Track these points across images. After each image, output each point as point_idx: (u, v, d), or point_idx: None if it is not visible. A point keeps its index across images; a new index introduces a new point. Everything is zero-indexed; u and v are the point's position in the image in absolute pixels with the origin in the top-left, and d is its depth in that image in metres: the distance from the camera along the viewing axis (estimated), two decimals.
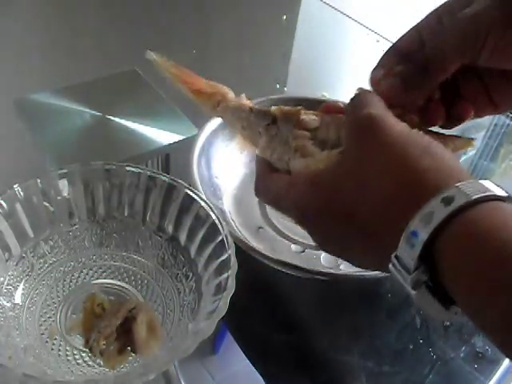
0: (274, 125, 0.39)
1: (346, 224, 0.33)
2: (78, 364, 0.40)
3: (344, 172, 0.34)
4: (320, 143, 0.38)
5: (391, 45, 0.39)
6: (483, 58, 0.35)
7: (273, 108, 0.40)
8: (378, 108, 0.35)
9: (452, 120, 0.40)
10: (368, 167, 0.33)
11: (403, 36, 0.38)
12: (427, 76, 0.37)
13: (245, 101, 0.41)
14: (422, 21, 0.38)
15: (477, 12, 0.35)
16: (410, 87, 0.37)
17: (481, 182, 0.29)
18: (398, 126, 0.33)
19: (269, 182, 0.38)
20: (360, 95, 0.37)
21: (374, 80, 0.38)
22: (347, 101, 0.38)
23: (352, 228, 0.33)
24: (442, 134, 0.39)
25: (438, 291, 0.29)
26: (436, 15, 0.37)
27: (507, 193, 0.29)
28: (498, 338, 0.27)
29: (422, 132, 0.34)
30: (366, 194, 0.32)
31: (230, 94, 0.42)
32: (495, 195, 0.29)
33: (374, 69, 0.39)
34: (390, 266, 0.31)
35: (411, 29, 0.38)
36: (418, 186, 0.31)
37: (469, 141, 0.40)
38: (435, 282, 0.29)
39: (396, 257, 0.30)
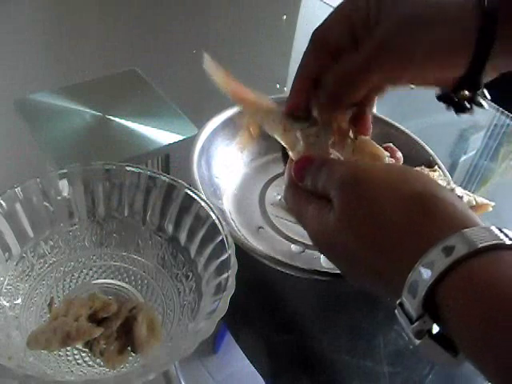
0: (311, 128, 0.41)
1: (357, 265, 0.34)
2: (78, 364, 0.40)
3: (343, 227, 0.34)
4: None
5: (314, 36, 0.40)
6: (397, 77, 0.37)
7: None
8: (346, 164, 0.37)
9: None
10: (364, 220, 0.33)
11: (331, 20, 0.40)
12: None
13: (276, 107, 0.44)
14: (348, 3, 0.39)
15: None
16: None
17: (486, 228, 0.29)
18: (382, 170, 0.35)
19: (297, 199, 0.39)
20: (322, 165, 0.37)
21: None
22: None
23: (361, 268, 0.34)
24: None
25: (445, 339, 0.29)
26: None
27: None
28: None
29: (410, 173, 0.35)
30: (368, 243, 0.33)
31: (275, 108, 0.44)
32: (499, 243, 0.28)
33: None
34: (396, 311, 0.31)
35: (339, 11, 0.40)
36: (419, 234, 0.31)
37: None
38: (441, 330, 0.29)
39: (400, 304, 0.30)
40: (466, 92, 0.37)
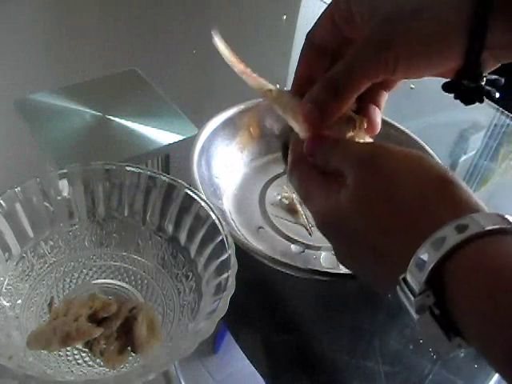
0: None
1: (360, 245, 0.34)
2: (78, 364, 0.40)
3: (355, 204, 0.34)
4: None
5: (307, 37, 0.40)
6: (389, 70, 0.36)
7: None
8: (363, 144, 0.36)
9: None
10: (379, 195, 0.33)
11: (319, 24, 0.40)
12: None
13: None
14: (333, 7, 0.38)
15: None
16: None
17: (499, 214, 0.29)
18: (401, 153, 0.34)
19: (304, 178, 0.39)
20: (337, 145, 0.37)
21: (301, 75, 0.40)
22: None
23: (365, 249, 0.34)
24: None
25: (443, 320, 0.29)
26: (346, 5, 0.37)
27: None
28: (500, 370, 0.26)
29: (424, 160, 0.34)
30: (379, 220, 0.32)
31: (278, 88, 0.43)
32: (510, 228, 0.28)
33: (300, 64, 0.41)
34: (397, 287, 0.30)
35: (324, 15, 0.39)
36: (433, 213, 0.31)
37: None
38: (442, 310, 0.29)
39: (404, 279, 0.30)
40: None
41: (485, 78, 0.36)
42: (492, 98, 0.37)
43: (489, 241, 0.28)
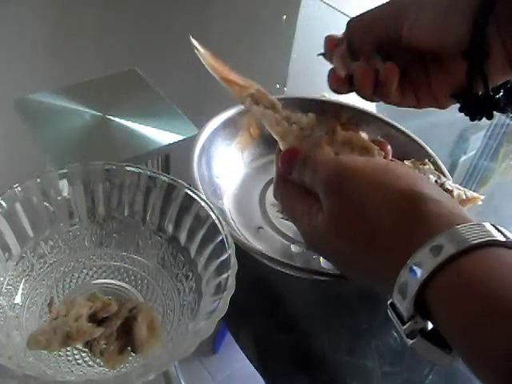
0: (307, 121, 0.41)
1: (349, 263, 0.35)
2: (78, 364, 0.40)
3: (331, 223, 0.34)
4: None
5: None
6: (405, 34, 0.38)
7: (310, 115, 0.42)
8: (329, 160, 0.36)
9: (387, 94, 0.42)
10: (351, 220, 0.33)
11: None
12: (355, 39, 0.41)
13: (275, 98, 0.44)
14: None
15: None
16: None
17: (478, 224, 0.28)
18: (367, 167, 0.34)
19: (286, 196, 0.39)
20: (306, 161, 0.37)
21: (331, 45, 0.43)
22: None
23: (354, 267, 0.34)
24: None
25: (439, 337, 0.28)
26: None
27: (506, 236, 0.28)
28: None
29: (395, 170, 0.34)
30: (358, 243, 0.33)
31: (262, 89, 0.44)
32: (490, 240, 0.27)
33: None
34: (388, 312, 0.31)
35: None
36: (406, 234, 0.30)
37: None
38: (434, 328, 0.29)
39: (391, 304, 0.30)
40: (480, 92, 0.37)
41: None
42: (499, 108, 0.38)
43: (466, 259, 0.27)
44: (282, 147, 0.41)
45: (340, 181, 0.34)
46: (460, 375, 0.47)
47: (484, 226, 0.28)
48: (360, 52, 0.40)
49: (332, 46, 0.42)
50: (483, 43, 0.36)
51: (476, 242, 0.27)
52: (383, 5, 0.39)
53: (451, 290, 0.27)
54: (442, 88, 0.40)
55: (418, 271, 0.28)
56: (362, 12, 0.41)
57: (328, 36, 0.43)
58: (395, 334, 0.48)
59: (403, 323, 0.29)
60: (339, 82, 0.42)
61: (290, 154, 0.39)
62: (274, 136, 0.42)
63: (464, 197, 0.47)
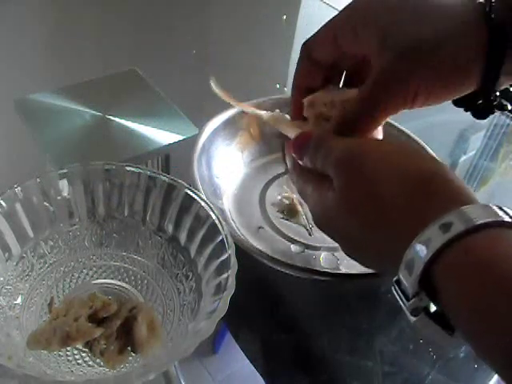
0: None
1: (358, 242, 0.34)
2: (78, 364, 0.40)
3: (342, 207, 0.34)
4: None
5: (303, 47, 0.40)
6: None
7: None
8: (343, 142, 0.35)
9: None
10: (363, 199, 0.33)
11: (318, 37, 0.39)
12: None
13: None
14: (335, 24, 0.38)
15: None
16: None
17: (485, 205, 0.28)
18: (381, 148, 0.34)
19: (300, 179, 0.39)
20: (319, 146, 0.37)
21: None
22: None
23: (362, 244, 0.34)
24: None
25: (440, 318, 0.28)
26: (351, 26, 0.37)
27: None
28: (499, 372, 0.26)
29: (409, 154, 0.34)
30: (367, 221, 0.32)
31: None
32: (499, 221, 0.27)
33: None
34: (393, 289, 0.30)
35: (325, 31, 0.39)
36: (418, 211, 0.30)
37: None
38: (438, 308, 0.29)
39: (396, 281, 0.30)
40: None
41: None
42: (504, 109, 0.37)
43: (474, 238, 0.27)
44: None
45: (352, 157, 0.34)
46: (460, 375, 0.47)
47: (491, 207, 0.28)
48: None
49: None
50: (493, 90, 0.35)
51: (484, 221, 0.27)
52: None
53: (459, 267, 0.27)
54: (439, 97, 0.38)
55: (426, 248, 0.28)
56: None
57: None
58: (398, 333, 0.48)
59: (408, 300, 0.29)
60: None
61: (302, 139, 0.38)
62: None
63: None
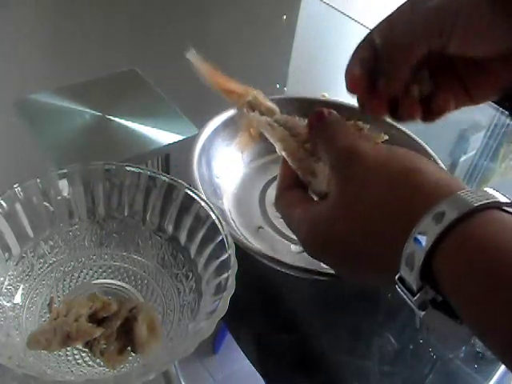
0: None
1: (349, 255, 0.34)
2: (78, 364, 0.40)
3: (334, 210, 0.34)
4: None
5: (365, 36, 0.39)
6: (454, 45, 0.35)
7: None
8: (345, 138, 0.35)
9: (433, 114, 0.40)
10: (354, 199, 0.33)
11: (376, 26, 0.38)
12: (393, 63, 0.37)
13: (272, 104, 0.43)
14: (396, 10, 0.38)
15: (444, 1, 0.35)
16: (378, 75, 0.38)
17: (478, 189, 0.28)
18: (372, 151, 0.34)
19: (286, 209, 0.39)
20: (324, 132, 0.37)
21: (352, 76, 0.39)
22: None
23: (355, 258, 0.34)
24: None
25: (448, 308, 0.28)
26: (409, 4, 0.37)
27: (508, 198, 0.28)
28: (504, 357, 0.26)
29: (399, 150, 0.34)
30: (357, 225, 0.32)
31: (261, 95, 0.43)
32: (493, 203, 0.27)
33: (350, 63, 0.39)
34: (397, 287, 0.30)
35: (384, 19, 0.38)
36: (408, 205, 0.30)
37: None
38: (443, 298, 0.28)
39: (399, 279, 0.30)
40: None
41: None
42: None
43: (469, 223, 0.27)
44: (279, 152, 0.41)
45: (348, 163, 0.34)
46: (460, 375, 0.47)
47: (485, 191, 0.28)
48: (397, 78, 0.38)
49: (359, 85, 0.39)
50: None
51: (477, 204, 0.27)
52: (411, 19, 0.36)
53: (458, 255, 0.27)
54: (483, 90, 0.39)
55: (423, 240, 0.28)
56: (382, 32, 0.38)
57: (350, 74, 0.39)
58: (398, 333, 0.48)
59: (413, 295, 0.29)
60: (379, 107, 0.39)
61: (319, 116, 0.38)
62: (271, 140, 0.42)
63: None
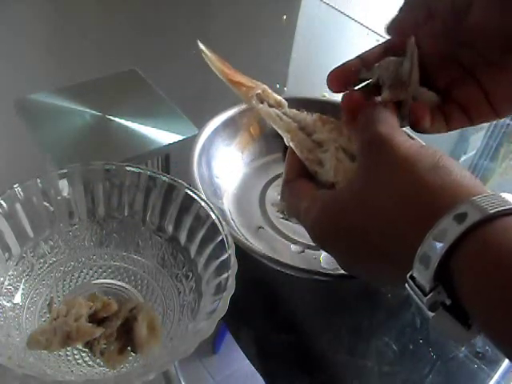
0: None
1: (361, 246, 0.33)
2: (78, 364, 0.40)
3: (353, 195, 0.33)
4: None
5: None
6: (473, 15, 0.35)
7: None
8: (387, 126, 0.35)
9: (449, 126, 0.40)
10: (377, 188, 0.32)
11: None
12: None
13: (281, 98, 0.44)
14: None
15: None
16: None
17: (497, 195, 0.28)
18: (406, 143, 0.33)
19: (293, 198, 0.38)
20: (368, 112, 0.36)
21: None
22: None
23: (366, 249, 0.33)
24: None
25: (457, 311, 0.28)
26: None
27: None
28: None
29: (431, 148, 0.33)
30: (376, 215, 0.32)
31: (268, 89, 0.44)
32: (510, 208, 0.27)
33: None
34: (407, 285, 0.30)
35: None
36: (429, 203, 0.30)
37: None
38: (454, 301, 0.28)
39: (411, 277, 0.29)
40: None
41: None
42: None
43: (491, 226, 0.27)
44: (287, 142, 0.41)
45: (381, 145, 0.34)
46: (460, 375, 0.47)
47: (503, 197, 0.28)
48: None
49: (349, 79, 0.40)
50: None
51: (499, 209, 0.27)
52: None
53: (478, 257, 0.27)
54: (506, 94, 0.38)
55: (442, 239, 0.27)
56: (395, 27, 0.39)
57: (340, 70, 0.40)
58: (398, 332, 0.48)
59: (425, 295, 0.29)
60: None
61: (358, 100, 0.38)
62: (279, 132, 0.42)
63: None
